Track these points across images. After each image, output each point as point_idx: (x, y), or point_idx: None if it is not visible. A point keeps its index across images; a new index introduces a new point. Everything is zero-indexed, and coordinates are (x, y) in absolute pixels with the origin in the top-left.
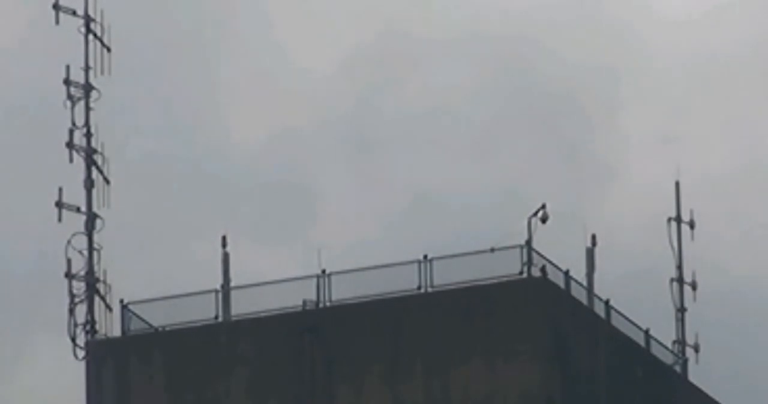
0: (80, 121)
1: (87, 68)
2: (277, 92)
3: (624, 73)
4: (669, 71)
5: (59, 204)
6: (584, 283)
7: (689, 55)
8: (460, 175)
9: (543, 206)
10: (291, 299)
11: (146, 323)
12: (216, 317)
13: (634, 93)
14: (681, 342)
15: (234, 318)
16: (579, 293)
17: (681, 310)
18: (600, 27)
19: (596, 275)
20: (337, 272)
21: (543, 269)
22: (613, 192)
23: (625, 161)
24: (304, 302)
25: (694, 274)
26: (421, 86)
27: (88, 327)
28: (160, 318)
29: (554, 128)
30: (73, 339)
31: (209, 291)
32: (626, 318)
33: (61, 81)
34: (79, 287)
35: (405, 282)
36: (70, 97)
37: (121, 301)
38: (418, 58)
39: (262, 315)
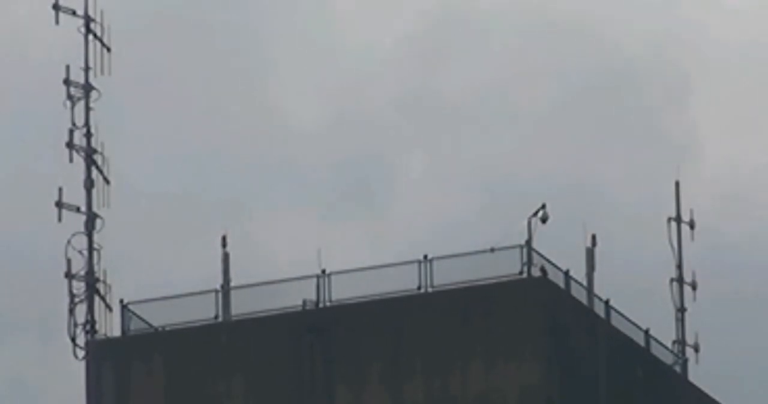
0: (80, 121)
1: (87, 68)
2: (333, 72)
3: (691, 58)
4: (735, 58)
5: (59, 204)
6: (584, 283)
7: (754, 42)
8: (526, 156)
9: (543, 206)
10: (291, 299)
11: (146, 323)
12: (216, 317)
13: (703, 77)
14: (681, 342)
15: (234, 318)
16: (579, 293)
17: (681, 310)
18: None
19: (596, 275)
20: (337, 272)
21: (543, 269)
22: (686, 174)
23: (697, 143)
24: (304, 302)
25: (694, 274)
26: (480, 65)
27: (88, 327)
28: (160, 318)
29: (622, 109)
30: (73, 339)
31: (209, 291)
32: (626, 318)
33: (61, 81)
34: (79, 287)
35: (405, 282)
36: (70, 97)
37: (121, 301)
38: (479, 33)
39: (262, 315)
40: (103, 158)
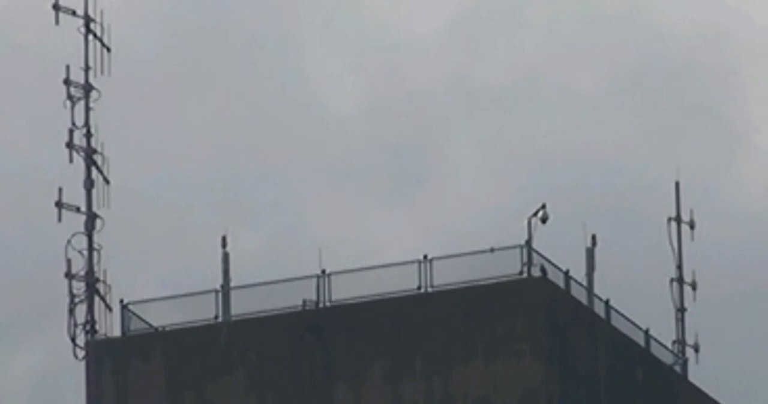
0: (80, 121)
1: (87, 68)
2: (370, 57)
3: (737, 46)
4: None
5: (59, 204)
6: (584, 283)
7: None
8: (569, 144)
9: (543, 206)
10: (291, 299)
11: (146, 323)
12: (216, 317)
13: (753, 66)
14: (681, 342)
15: (234, 318)
16: (579, 293)
17: (681, 310)
18: None
19: (596, 275)
20: (337, 272)
21: (543, 269)
22: (740, 159)
23: (751, 127)
24: (304, 302)
25: (694, 274)
26: (530, 46)
27: (88, 327)
28: (160, 318)
29: (676, 94)
30: (73, 339)
31: (209, 291)
32: (626, 318)
33: (61, 81)
34: (79, 287)
35: (405, 282)
36: (70, 97)
37: (121, 301)
38: (522, 20)
39: (262, 315)
40: (103, 158)
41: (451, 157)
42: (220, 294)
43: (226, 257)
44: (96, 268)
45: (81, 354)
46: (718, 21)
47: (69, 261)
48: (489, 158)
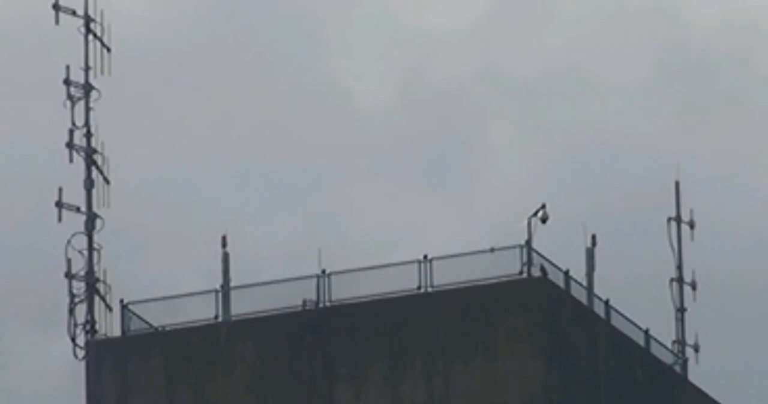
0: (80, 121)
1: (87, 68)
2: (398, 51)
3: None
4: None
5: (59, 204)
6: (584, 283)
7: None
8: (589, 134)
9: (543, 206)
10: (291, 299)
11: (146, 323)
12: (216, 317)
13: None
14: (681, 342)
15: (234, 318)
16: (579, 293)
17: (681, 310)
18: None
19: (596, 275)
20: (337, 272)
21: (543, 269)
22: None
23: None
24: (304, 302)
25: (694, 274)
26: (563, 39)
27: (88, 327)
28: (160, 318)
29: (712, 85)
30: (73, 339)
31: (209, 291)
32: (626, 318)
33: (61, 81)
34: (79, 287)
35: (405, 282)
36: (70, 97)
37: (121, 301)
38: (554, 12)
39: (262, 315)
40: (103, 158)
41: (476, 150)
42: (220, 294)
43: (226, 257)
44: (96, 268)
45: (81, 354)
46: (748, 10)
47: (69, 261)
48: (499, 156)
